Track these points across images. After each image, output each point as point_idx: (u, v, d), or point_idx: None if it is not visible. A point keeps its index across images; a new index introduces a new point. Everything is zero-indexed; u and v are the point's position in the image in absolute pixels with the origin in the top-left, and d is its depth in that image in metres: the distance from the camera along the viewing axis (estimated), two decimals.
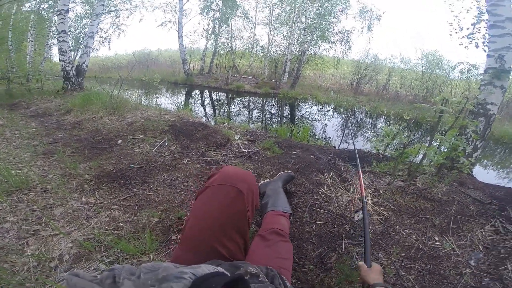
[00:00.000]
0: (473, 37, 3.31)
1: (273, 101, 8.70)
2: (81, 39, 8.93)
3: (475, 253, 1.33)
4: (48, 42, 9.08)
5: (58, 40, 4.82)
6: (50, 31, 8.50)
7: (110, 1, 8.41)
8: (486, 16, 2.71)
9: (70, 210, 1.38)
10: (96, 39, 9.51)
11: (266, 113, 7.08)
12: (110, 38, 9.80)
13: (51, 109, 3.50)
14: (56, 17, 5.23)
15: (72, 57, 5.76)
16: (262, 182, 1.65)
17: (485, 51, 2.59)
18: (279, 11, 11.94)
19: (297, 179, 1.77)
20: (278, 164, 2.02)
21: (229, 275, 0.41)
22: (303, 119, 6.51)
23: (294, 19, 10.28)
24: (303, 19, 9.89)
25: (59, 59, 4.87)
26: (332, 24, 9.85)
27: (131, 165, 1.89)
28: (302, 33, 9.98)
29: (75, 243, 1.16)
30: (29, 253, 1.07)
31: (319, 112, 7.46)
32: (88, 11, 8.87)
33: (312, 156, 2.17)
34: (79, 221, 1.30)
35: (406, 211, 1.58)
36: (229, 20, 11.16)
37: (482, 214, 1.61)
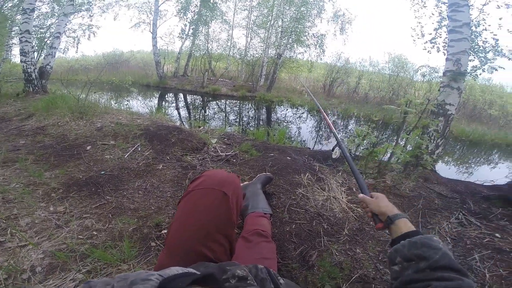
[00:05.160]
0: (435, 41, 3.60)
1: (250, 104, 8.74)
2: (46, 39, 8.29)
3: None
4: (9, 42, 8.31)
5: (20, 40, 4.50)
6: (12, 31, 7.82)
7: (81, 0, 7.88)
8: (446, 22, 2.94)
9: (37, 220, 1.31)
10: (64, 40, 8.81)
11: (243, 116, 7.09)
12: (79, 39, 9.13)
13: (10, 114, 3.21)
14: (19, 16, 4.83)
15: (36, 58, 5.35)
16: (241, 184, 1.66)
17: (444, 54, 2.81)
18: (257, 14, 12.07)
19: (275, 180, 1.80)
20: (256, 167, 2.04)
21: (198, 273, 0.41)
22: (279, 121, 6.62)
23: (272, 23, 10.44)
24: (280, 23, 10.08)
25: (21, 60, 4.53)
26: (307, 28, 10.14)
27: (102, 172, 1.81)
28: (278, 36, 10.17)
29: (47, 253, 1.11)
30: None
31: (294, 115, 7.63)
32: (56, 10, 8.23)
33: (288, 158, 2.22)
34: (48, 231, 1.24)
35: None
36: (209, 22, 11.04)
37: (446, 208, 1.74)
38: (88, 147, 2.19)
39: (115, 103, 4.26)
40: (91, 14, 8.11)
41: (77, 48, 8.90)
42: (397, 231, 0.63)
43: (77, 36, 8.88)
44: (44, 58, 5.08)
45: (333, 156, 1.36)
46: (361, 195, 0.81)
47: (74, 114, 2.84)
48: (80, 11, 7.90)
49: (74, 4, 6.05)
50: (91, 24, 8.68)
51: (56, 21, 6.03)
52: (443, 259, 0.50)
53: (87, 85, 3.42)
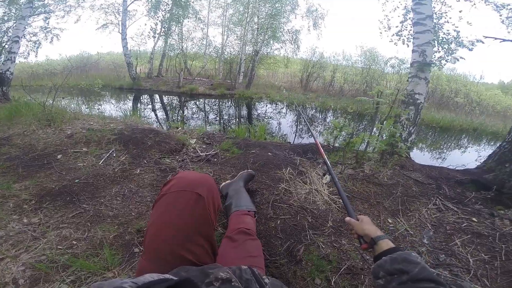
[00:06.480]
0: (401, 34, 3.74)
1: (229, 102, 8.67)
2: (4, 44, 7.59)
3: (426, 232, 1.46)
4: None
5: None
6: None
7: (40, 2, 7.28)
8: (411, 15, 3.07)
9: (12, 232, 1.26)
10: (24, 44, 8.07)
11: (223, 115, 7.03)
12: (40, 43, 8.44)
13: None
14: None
15: None
16: (223, 183, 1.64)
17: (408, 46, 2.95)
18: (233, 12, 11.96)
19: (258, 177, 1.80)
20: (238, 165, 2.02)
21: (174, 279, 0.41)
22: (260, 117, 6.63)
23: (248, 19, 10.40)
24: (255, 19, 10.07)
25: None
26: (282, 24, 10.23)
27: (76, 180, 1.72)
28: (255, 33, 10.16)
29: (27, 265, 1.08)
30: None
31: (274, 110, 7.68)
32: (13, 13, 7.55)
33: (269, 153, 2.23)
34: (25, 243, 1.21)
35: (359, 197, 1.72)
36: (181, 20, 10.74)
37: (423, 194, 1.80)
38: (59, 156, 2.06)
39: (86, 108, 4.05)
40: (48, 17, 7.54)
41: (37, 52, 8.23)
42: (379, 250, 0.69)
43: (37, 39, 8.23)
44: (2, 63, 4.71)
45: (324, 182, 1.56)
46: (347, 218, 0.86)
47: (41, 122, 2.67)
48: (40, 14, 7.33)
49: (33, 6, 5.62)
50: (54, 27, 8.10)
51: (14, 24, 5.58)
52: (423, 272, 0.55)
53: (52, 90, 3.21)
